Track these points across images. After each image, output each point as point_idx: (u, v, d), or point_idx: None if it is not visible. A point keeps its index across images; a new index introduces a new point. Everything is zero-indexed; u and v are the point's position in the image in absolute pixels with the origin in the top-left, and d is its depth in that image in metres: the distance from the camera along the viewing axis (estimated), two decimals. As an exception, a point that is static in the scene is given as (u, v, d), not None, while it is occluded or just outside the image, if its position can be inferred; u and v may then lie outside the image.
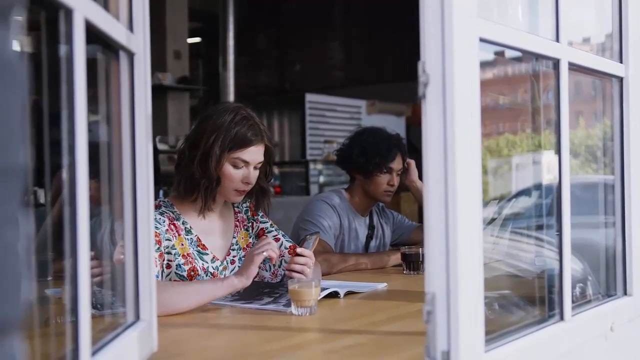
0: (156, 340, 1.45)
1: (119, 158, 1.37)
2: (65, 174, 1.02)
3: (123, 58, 1.35)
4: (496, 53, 1.54)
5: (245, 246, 2.42)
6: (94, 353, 1.09)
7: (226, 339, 1.74)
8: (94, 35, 1.12)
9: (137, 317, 1.39)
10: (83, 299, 1.02)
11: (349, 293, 2.23)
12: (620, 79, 1.87)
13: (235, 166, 2.25)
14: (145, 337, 1.38)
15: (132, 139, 1.38)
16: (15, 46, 0.61)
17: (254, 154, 2.27)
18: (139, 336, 1.33)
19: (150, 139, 1.42)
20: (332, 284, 2.23)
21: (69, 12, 1.00)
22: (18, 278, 0.58)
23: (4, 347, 0.58)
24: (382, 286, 2.41)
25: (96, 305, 1.33)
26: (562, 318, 1.56)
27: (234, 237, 2.41)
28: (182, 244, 2.24)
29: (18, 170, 0.59)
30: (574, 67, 1.62)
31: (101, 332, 1.24)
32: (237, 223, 2.44)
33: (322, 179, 7.62)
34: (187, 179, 2.26)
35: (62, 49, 1.02)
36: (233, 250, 2.39)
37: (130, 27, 1.37)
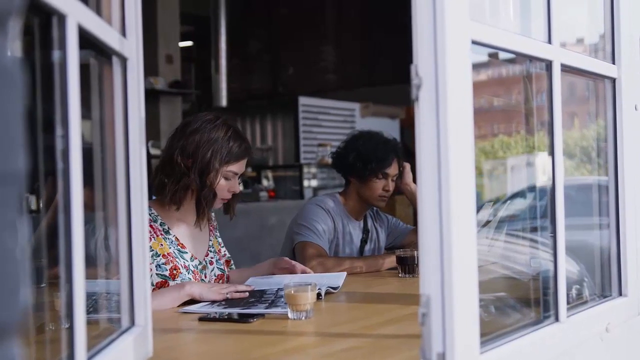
0: (151, 346, 1.44)
1: (112, 164, 1.37)
2: (59, 180, 1.01)
3: (116, 63, 1.35)
4: (490, 55, 1.55)
5: (217, 250, 2.53)
6: (89, 358, 1.08)
7: (222, 344, 1.74)
8: (86, 40, 1.12)
9: (132, 322, 1.38)
10: (78, 304, 1.02)
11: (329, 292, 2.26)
12: (613, 80, 1.88)
13: (226, 178, 2.35)
14: (141, 343, 1.38)
15: (125, 145, 1.38)
16: (13, 52, 0.61)
17: (243, 166, 2.40)
18: (134, 341, 1.33)
19: (144, 144, 1.42)
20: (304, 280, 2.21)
21: (62, 18, 1.00)
22: (17, 283, 0.59)
23: (4, 351, 0.58)
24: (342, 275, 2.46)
25: (89, 310, 1.33)
26: (557, 319, 1.56)
27: (210, 240, 2.51)
28: (162, 244, 2.30)
29: (17, 176, 0.59)
30: (566, 69, 1.62)
31: (96, 338, 1.23)
32: (212, 228, 2.55)
33: (316, 182, 7.60)
34: (182, 189, 2.31)
35: (55, 54, 1.02)
36: (211, 252, 2.49)
37: (123, 32, 1.37)
